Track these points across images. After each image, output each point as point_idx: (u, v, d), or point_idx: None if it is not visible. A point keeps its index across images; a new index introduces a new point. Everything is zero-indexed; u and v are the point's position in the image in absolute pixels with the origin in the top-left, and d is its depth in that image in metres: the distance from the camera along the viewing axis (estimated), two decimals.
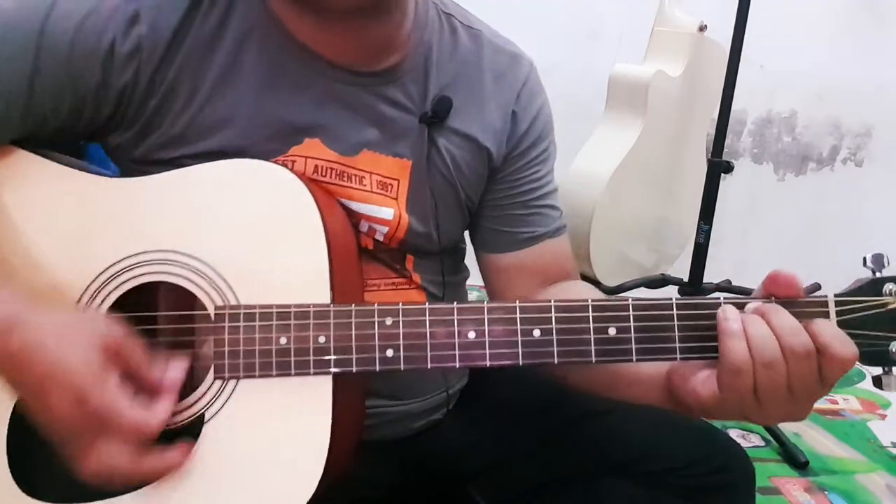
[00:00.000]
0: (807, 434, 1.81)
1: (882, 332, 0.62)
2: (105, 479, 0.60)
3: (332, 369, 0.64)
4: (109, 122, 0.71)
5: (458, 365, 0.64)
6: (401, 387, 0.85)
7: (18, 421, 0.66)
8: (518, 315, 0.63)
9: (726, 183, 2.05)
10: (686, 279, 1.92)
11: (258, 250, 0.67)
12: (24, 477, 0.66)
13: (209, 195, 0.68)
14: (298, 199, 0.67)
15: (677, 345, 0.63)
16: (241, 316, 0.65)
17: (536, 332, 0.63)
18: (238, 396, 0.66)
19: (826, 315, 0.62)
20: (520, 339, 0.63)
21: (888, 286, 0.62)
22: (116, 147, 0.73)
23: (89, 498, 0.65)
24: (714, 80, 1.83)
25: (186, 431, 0.65)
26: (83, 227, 0.68)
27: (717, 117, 1.82)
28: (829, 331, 0.59)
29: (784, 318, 0.60)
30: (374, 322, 0.64)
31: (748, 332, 0.59)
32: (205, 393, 0.66)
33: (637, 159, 1.83)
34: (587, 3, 2.36)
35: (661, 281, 2.02)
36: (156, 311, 0.69)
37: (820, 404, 1.95)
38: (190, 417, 0.65)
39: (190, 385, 0.66)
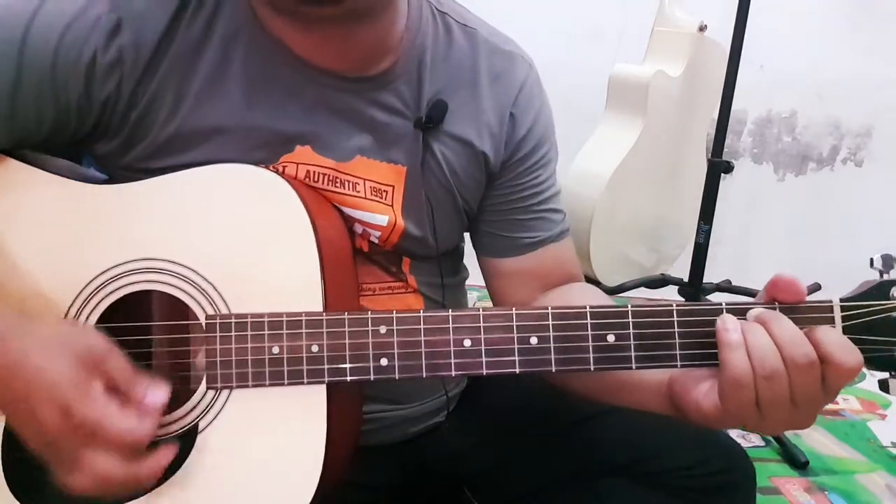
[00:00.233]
0: (807, 434, 1.80)
1: (890, 336, 0.61)
2: (100, 491, 0.59)
3: (326, 378, 0.64)
4: (93, 132, 0.70)
5: (454, 374, 0.63)
6: (399, 391, 0.84)
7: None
8: (515, 322, 0.63)
9: (726, 183, 2.05)
10: (686, 279, 1.92)
11: (248, 257, 0.66)
12: (21, 488, 0.66)
13: (197, 201, 0.67)
14: (287, 203, 0.67)
15: (678, 352, 0.62)
16: (233, 325, 0.64)
17: (534, 340, 0.62)
18: (231, 406, 0.65)
19: (831, 321, 0.61)
20: (517, 346, 0.62)
21: None
22: (103, 156, 0.72)
23: None
24: (714, 80, 1.83)
25: (180, 442, 0.64)
26: (72, 235, 0.67)
27: (717, 117, 1.81)
28: (833, 339, 0.58)
29: (785, 327, 0.58)
30: (367, 331, 0.64)
31: (748, 342, 0.58)
32: (198, 403, 0.65)
33: (637, 159, 1.83)
34: (587, 3, 2.36)
35: (661, 281, 2.02)
36: (147, 320, 0.69)
37: None
38: (183, 428, 0.65)
39: (184, 394, 0.65)
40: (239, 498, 0.65)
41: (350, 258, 0.75)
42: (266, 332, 0.64)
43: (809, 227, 2.51)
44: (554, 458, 0.85)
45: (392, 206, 0.77)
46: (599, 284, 1.86)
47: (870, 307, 0.61)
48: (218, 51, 0.70)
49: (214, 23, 0.70)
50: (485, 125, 0.80)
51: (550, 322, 0.62)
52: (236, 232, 0.66)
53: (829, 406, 1.95)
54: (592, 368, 0.62)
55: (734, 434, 1.72)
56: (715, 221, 1.84)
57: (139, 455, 0.59)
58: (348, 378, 0.64)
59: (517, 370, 0.63)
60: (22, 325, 0.60)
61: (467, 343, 0.63)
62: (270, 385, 0.64)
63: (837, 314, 0.61)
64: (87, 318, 0.66)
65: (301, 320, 0.64)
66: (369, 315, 0.64)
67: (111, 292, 0.66)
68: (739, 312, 0.61)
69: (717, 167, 1.81)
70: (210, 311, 0.65)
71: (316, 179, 0.73)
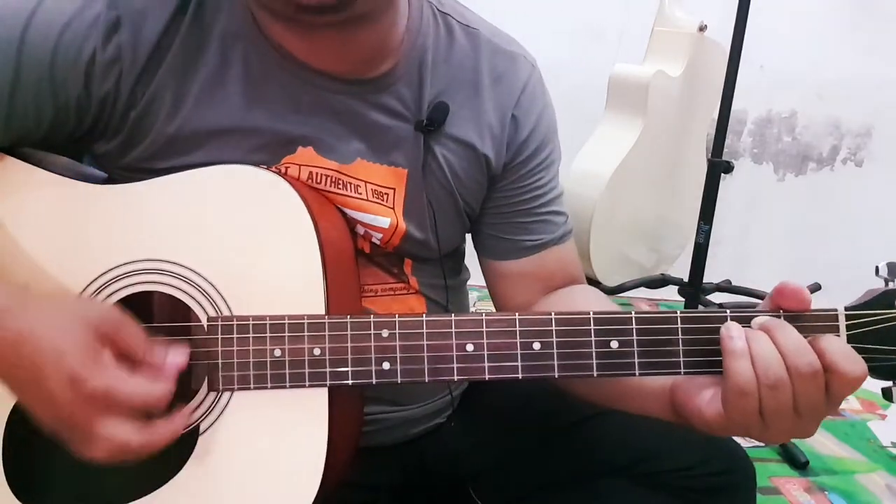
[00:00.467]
0: None
1: (894, 346, 0.60)
2: (113, 457, 0.58)
3: (328, 382, 0.63)
4: (93, 131, 0.70)
5: (456, 378, 0.63)
6: (401, 393, 0.84)
7: (14, 429, 0.65)
8: (518, 328, 0.62)
9: (726, 183, 2.05)
10: (686, 279, 1.92)
11: (249, 258, 0.66)
12: (20, 486, 0.66)
13: (199, 202, 0.67)
14: (288, 204, 0.66)
15: (681, 359, 0.61)
16: (235, 327, 0.64)
17: (536, 346, 0.62)
18: (233, 409, 0.65)
19: (836, 329, 0.60)
20: (519, 352, 0.62)
21: None
22: (103, 155, 0.72)
23: None
24: (714, 80, 1.83)
25: (181, 444, 0.64)
26: (73, 236, 0.67)
27: (717, 117, 1.81)
28: (837, 348, 0.57)
29: (790, 336, 0.58)
30: (370, 334, 0.63)
31: (753, 351, 0.58)
32: (199, 405, 0.65)
33: (637, 159, 1.83)
34: (588, 3, 2.35)
35: (661, 281, 2.02)
36: (148, 322, 0.68)
37: None
38: (185, 430, 0.65)
39: (185, 396, 0.65)
40: (240, 500, 0.64)
41: (352, 259, 0.74)
42: (268, 334, 0.64)
43: (809, 227, 2.51)
44: (554, 458, 0.85)
45: (393, 208, 0.76)
46: (599, 284, 1.86)
47: (875, 316, 0.60)
48: (217, 53, 0.69)
49: (214, 25, 0.69)
50: (486, 127, 0.79)
51: (553, 328, 0.62)
52: (238, 233, 0.66)
53: None
54: (595, 374, 0.62)
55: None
56: (715, 221, 1.84)
57: (154, 422, 0.58)
58: (350, 382, 0.63)
59: (520, 376, 0.62)
60: (26, 301, 0.60)
61: (470, 348, 0.63)
62: (272, 388, 0.64)
63: (842, 322, 0.60)
64: None
65: (303, 323, 0.63)
66: (372, 319, 0.63)
67: (112, 293, 0.66)
68: (744, 320, 0.60)
69: (717, 167, 1.81)
70: (212, 313, 0.65)
71: (319, 181, 0.73)
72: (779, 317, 0.60)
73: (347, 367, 0.63)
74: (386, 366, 0.63)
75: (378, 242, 0.77)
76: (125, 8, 0.66)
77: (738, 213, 2.48)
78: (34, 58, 0.64)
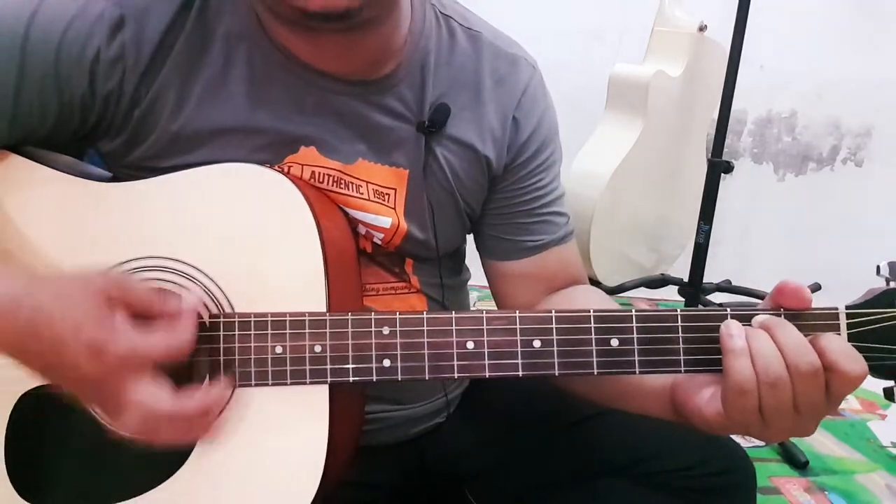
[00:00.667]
0: None
1: (895, 345, 0.60)
2: (151, 430, 0.58)
3: (329, 379, 0.64)
4: (97, 129, 0.70)
5: (456, 376, 0.63)
6: (401, 392, 0.84)
7: (17, 426, 0.66)
8: (518, 325, 0.62)
9: (726, 183, 2.05)
10: (686, 279, 1.92)
11: (252, 256, 0.66)
12: (22, 482, 0.66)
13: (202, 200, 0.67)
14: (291, 203, 0.66)
15: (682, 357, 0.61)
16: (236, 324, 0.64)
17: (537, 343, 0.62)
18: (234, 405, 0.65)
19: (837, 328, 0.60)
20: (520, 349, 0.62)
21: None
22: (108, 153, 0.72)
23: None
24: (714, 80, 1.83)
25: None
26: (76, 233, 0.67)
27: (717, 117, 1.81)
28: (838, 347, 0.57)
29: (790, 335, 0.58)
30: (371, 331, 0.63)
31: (752, 349, 0.58)
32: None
33: (637, 159, 1.83)
34: (587, 3, 2.35)
35: (661, 281, 2.02)
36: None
37: None
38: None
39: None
40: (240, 497, 0.65)
41: (354, 258, 0.75)
42: (269, 331, 0.64)
43: (809, 227, 2.51)
44: (554, 458, 0.85)
45: (395, 208, 0.77)
46: (599, 285, 1.86)
47: (876, 315, 0.60)
48: (221, 53, 0.70)
49: (218, 25, 0.70)
50: (487, 129, 0.79)
51: (554, 325, 0.62)
52: (241, 231, 0.66)
53: None
54: (596, 372, 0.62)
55: (734, 434, 1.72)
56: (715, 221, 1.84)
57: (186, 388, 0.58)
58: (351, 379, 0.63)
59: (520, 373, 0.62)
60: (32, 283, 0.60)
61: (470, 345, 0.63)
62: (273, 385, 0.64)
63: (843, 321, 0.60)
64: None
65: (304, 320, 0.64)
66: (373, 316, 0.64)
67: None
68: (744, 318, 0.60)
69: (717, 167, 1.81)
70: (214, 310, 0.65)
71: (321, 180, 0.74)
72: (779, 315, 0.60)
73: (348, 364, 0.63)
74: (386, 363, 0.63)
75: (380, 242, 0.77)
76: (129, 6, 0.67)
77: (738, 213, 2.48)
78: (38, 55, 0.64)
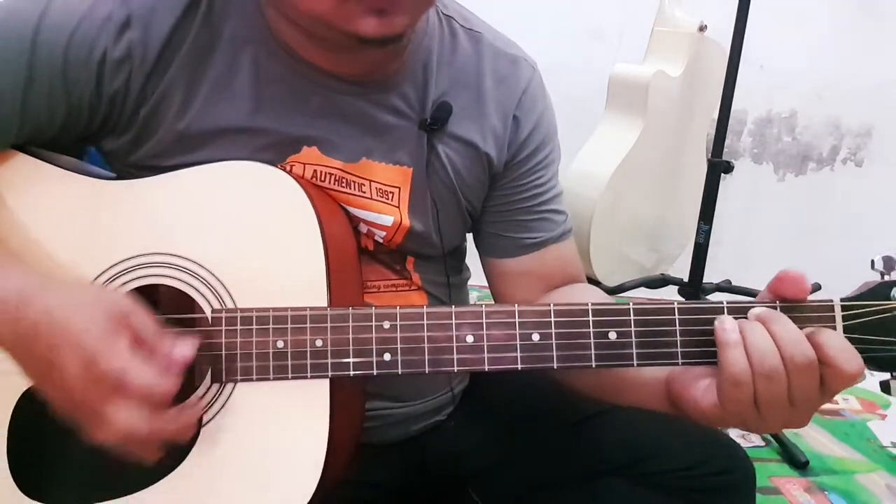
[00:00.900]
0: (807, 434, 1.80)
1: (890, 336, 0.60)
2: (123, 445, 0.58)
3: (329, 373, 0.64)
4: (102, 128, 0.71)
5: (456, 369, 0.63)
6: (402, 389, 0.85)
7: (19, 422, 0.66)
8: (517, 319, 0.63)
9: (726, 183, 2.05)
10: (686, 279, 1.92)
11: (254, 252, 0.66)
12: (24, 478, 0.66)
13: (205, 197, 0.68)
14: (294, 200, 0.67)
15: (679, 350, 0.62)
16: (238, 319, 0.65)
17: (536, 337, 0.63)
18: (235, 400, 0.65)
19: (832, 320, 0.61)
20: (518, 343, 0.63)
21: None
22: (111, 152, 0.73)
23: (88, 499, 0.66)
24: (714, 80, 1.83)
25: None
26: (80, 230, 0.68)
27: (717, 117, 1.81)
28: (835, 343, 0.57)
29: (785, 327, 0.58)
30: (371, 326, 0.64)
31: (747, 341, 0.58)
32: (202, 396, 0.65)
33: (637, 159, 1.83)
34: (587, 3, 2.36)
35: (661, 281, 2.01)
36: (153, 314, 0.69)
37: None
38: (197, 425, 0.65)
39: (188, 388, 0.65)
40: (241, 491, 0.65)
41: (355, 255, 0.75)
42: (271, 325, 0.64)
43: (809, 227, 2.51)
44: (554, 458, 0.85)
45: (398, 206, 0.77)
46: (599, 284, 1.86)
47: (870, 307, 0.61)
48: (227, 54, 0.70)
49: (224, 26, 0.70)
50: (489, 127, 0.80)
51: (552, 319, 0.63)
52: (243, 227, 0.67)
53: (829, 406, 1.96)
54: (594, 365, 0.62)
55: (734, 434, 1.72)
56: (715, 221, 1.84)
57: (164, 411, 0.59)
58: (351, 373, 0.64)
59: (519, 366, 0.63)
60: (50, 284, 0.61)
61: (470, 339, 0.63)
62: (274, 379, 0.64)
63: (838, 314, 0.61)
64: None
65: (305, 315, 0.64)
66: (373, 310, 0.64)
67: (119, 287, 0.67)
68: (740, 311, 0.61)
69: (717, 167, 1.81)
70: (216, 306, 0.65)
71: (323, 179, 0.74)
72: (775, 308, 0.61)
73: (349, 358, 0.64)
74: (387, 357, 0.64)
75: (381, 241, 0.78)
76: (136, 6, 0.67)
77: (738, 213, 2.48)
78: (47, 57, 0.65)
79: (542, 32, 2.21)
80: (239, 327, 0.65)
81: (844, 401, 1.98)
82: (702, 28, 1.83)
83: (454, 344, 0.63)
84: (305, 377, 0.64)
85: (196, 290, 0.66)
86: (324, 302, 0.65)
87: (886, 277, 0.62)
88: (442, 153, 0.78)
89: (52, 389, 0.59)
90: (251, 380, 0.65)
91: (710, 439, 0.81)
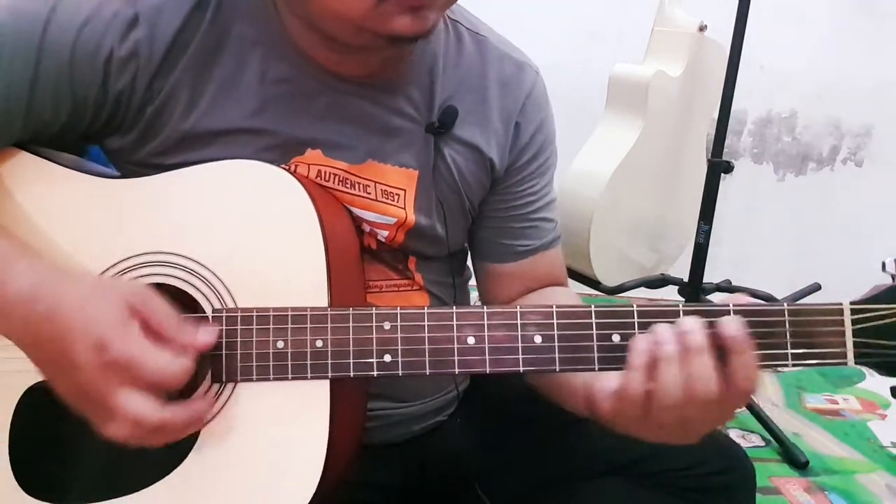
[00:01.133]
0: (807, 434, 1.81)
1: None
2: (130, 434, 0.58)
3: (329, 374, 0.64)
4: (107, 127, 0.71)
5: (457, 371, 0.63)
6: (403, 389, 0.85)
7: (21, 421, 0.66)
8: (519, 321, 0.63)
9: (726, 183, 2.05)
10: (686, 279, 1.92)
11: (255, 251, 0.66)
12: (26, 477, 0.66)
13: (206, 196, 0.68)
14: (294, 198, 0.67)
15: None
16: (238, 319, 0.65)
17: (538, 339, 0.62)
18: (235, 400, 0.65)
19: (841, 323, 0.60)
20: (520, 345, 0.62)
21: None
22: (115, 150, 0.73)
23: (89, 499, 0.66)
24: (714, 80, 1.83)
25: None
26: (81, 228, 0.68)
27: (717, 117, 1.81)
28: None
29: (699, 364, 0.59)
30: (371, 326, 0.64)
31: (659, 375, 0.59)
32: (206, 391, 0.65)
33: (637, 159, 1.82)
34: (587, 3, 2.36)
35: (661, 281, 2.01)
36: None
37: (820, 404, 1.96)
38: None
39: (188, 388, 0.65)
40: (241, 492, 0.65)
41: (357, 255, 0.75)
42: (271, 325, 0.64)
43: (809, 227, 2.51)
44: (553, 458, 0.85)
45: (404, 208, 0.78)
46: (599, 285, 1.87)
47: (881, 311, 0.60)
48: (236, 54, 0.70)
49: (232, 27, 0.70)
50: (492, 131, 0.81)
51: (555, 321, 0.62)
52: (244, 226, 0.67)
53: (829, 406, 1.96)
54: (597, 368, 0.62)
55: (734, 434, 1.72)
56: (715, 221, 1.84)
57: (174, 402, 0.59)
58: (351, 374, 0.64)
59: (521, 369, 0.63)
60: (56, 274, 0.61)
61: (471, 341, 0.63)
62: (274, 379, 0.64)
63: (847, 317, 0.60)
64: None
65: (306, 315, 0.64)
66: (374, 311, 0.64)
67: None
68: (746, 314, 0.60)
69: (717, 167, 1.81)
70: (217, 305, 0.65)
71: (327, 179, 0.74)
72: (783, 310, 0.61)
73: (349, 359, 0.64)
74: (387, 358, 0.63)
75: (383, 240, 0.78)
76: (143, 5, 0.68)
77: (738, 213, 2.48)
78: (54, 55, 0.65)
79: (542, 32, 2.21)
80: (239, 327, 0.64)
81: (844, 401, 1.98)
82: (702, 28, 1.83)
83: (455, 345, 0.63)
84: (305, 378, 0.64)
85: (197, 289, 0.66)
86: (324, 300, 0.65)
87: None
88: (448, 156, 0.79)
89: (62, 379, 0.59)
90: (251, 380, 0.64)
91: (709, 439, 0.80)
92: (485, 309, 0.63)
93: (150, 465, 0.65)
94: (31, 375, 0.64)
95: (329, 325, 0.64)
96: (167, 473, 0.65)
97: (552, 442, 0.85)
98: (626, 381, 0.59)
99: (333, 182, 0.74)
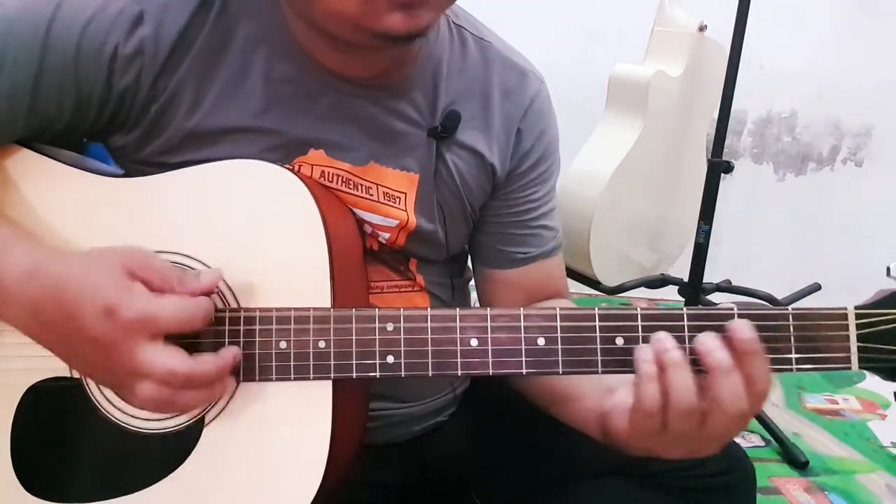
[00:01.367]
0: (807, 434, 1.81)
1: None
2: (159, 393, 0.58)
3: (332, 375, 0.64)
4: (111, 124, 0.71)
5: (459, 373, 0.63)
6: (405, 390, 0.85)
7: (23, 420, 0.66)
8: (522, 323, 0.62)
9: (726, 183, 2.04)
10: (686, 279, 1.92)
11: (258, 251, 0.66)
12: (28, 475, 0.66)
13: (209, 196, 0.67)
14: (298, 198, 0.67)
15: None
16: (241, 319, 0.64)
17: (541, 341, 0.62)
18: (238, 400, 0.65)
19: (846, 328, 0.60)
20: (524, 347, 0.62)
21: None
22: (119, 148, 0.73)
23: (91, 497, 0.66)
24: (714, 80, 1.83)
25: (186, 434, 0.65)
26: (84, 227, 0.67)
27: (717, 117, 1.81)
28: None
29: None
30: (374, 328, 0.64)
31: (667, 376, 0.58)
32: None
33: (637, 159, 1.83)
34: (587, 3, 2.36)
35: (661, 281, 2.01)
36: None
37: (820, 404, 1.96)
38: (190, 420, 0.65)
39: None
40: (242, 492, 0.65)
41: (360, 256, 0.75)
42: (274, 326, 0.64)
43: (809, 227, 2.51)
44: (554, 457, 0.85)
45: (406, 210, 0.78)
46: (599, 285, 1.87)
47: (885, 315, 0.60)
48: (240, 54, 0.70)
49: (237, 26, 0.70)
50: (494, 137, 0.81)
51: (559, 323, 0.62)
52: (247, 226, 0.66)
53: (829, 406, 1.96)
54: (600, 371, 0.62)
55: None
56: (715, 221, 1.84)
57: (200, 353, 0.59)
58: (354, 375, 0.64)
59: (524, 371, 0.62)
60: (56, 252, 0.61)
61: (474, 343, 0.63)
62: (277, 380, 0.64)
63: (852, 321, 0.60)
64: None
65: (309, 315, 0.64)
66: (377, 312, 0.64)
67: None
68: (750, 317, 0.60)
69: (717, 167, 1.81)
70: (220, 305, 0.65)
71: (331, 179, 0.74)
72: (787, 315, 0.60)
73: (352, 360, 0.63)
74: (390, 359, 0.63)
75: (385, 241, 0.78)
76: (149, 3, 0.67)
77: (738, 213, 2.48)
78: (58, 52, 0.65)
79: (542, 32, 2.21)
80: (242, 327, 0.64)
81: (844, 401, 1.98)
82: (702, 28, 1.83)
83: (458, 347, 0.63)
84: (308, 378, 0.64)
85: None
86: (327, 301, 0.65)
87: None
88: (449, 161, 0.79)
89: (79, 356, 0.60)
90: (254, 380, 0.64)
91: None
92: (488, 311, 0.63)
93: (151, 465, 0.65)
94: (32, 374, 0.64)
95: (332, 325, 0.64)
96: (169, 473, 0.65)
97: (552, 442, 0.85)
98: (640, 393, 0.58)
99: (337, 183, 0.74)
